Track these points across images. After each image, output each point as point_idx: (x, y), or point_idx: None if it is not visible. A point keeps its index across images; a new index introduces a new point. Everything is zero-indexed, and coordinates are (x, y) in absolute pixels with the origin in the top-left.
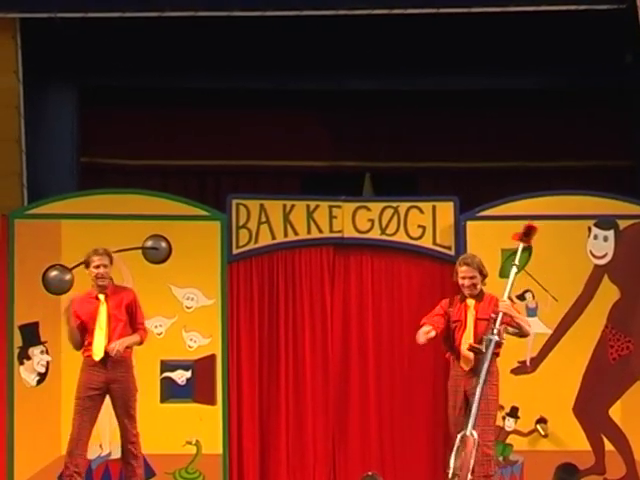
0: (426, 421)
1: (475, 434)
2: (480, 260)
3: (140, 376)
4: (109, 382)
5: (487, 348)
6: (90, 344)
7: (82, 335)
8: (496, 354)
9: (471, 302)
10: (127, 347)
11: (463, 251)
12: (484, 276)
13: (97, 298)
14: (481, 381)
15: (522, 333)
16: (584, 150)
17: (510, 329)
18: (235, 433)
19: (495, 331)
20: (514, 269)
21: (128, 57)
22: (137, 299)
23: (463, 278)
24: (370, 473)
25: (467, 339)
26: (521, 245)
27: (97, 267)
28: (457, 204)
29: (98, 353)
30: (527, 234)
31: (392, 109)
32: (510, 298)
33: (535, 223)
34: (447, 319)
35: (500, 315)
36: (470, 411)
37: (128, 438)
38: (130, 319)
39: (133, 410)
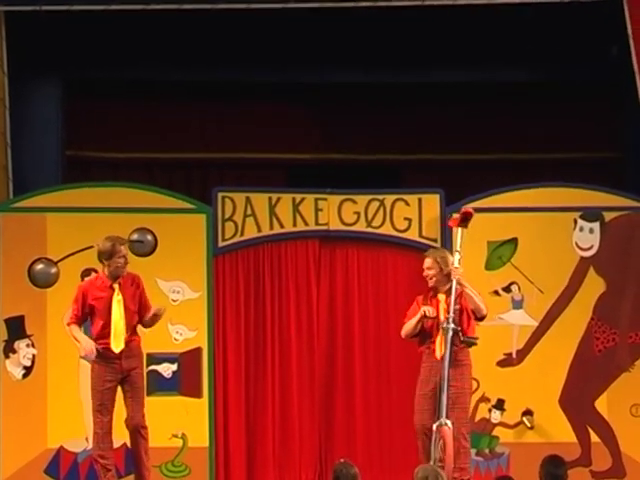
0: (412, 411)
1: (449, 424)
2: (444, 255)
3: None
4: (125, 371)
5: (445, 337)
6: (104, 336)
7: (83, 321)
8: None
9: (442, 297)
10: (138, 335)
11: (449, 243)
12: (441, 269)
13: (111, 287)
14: (445, 371)
15: (475, 308)
16: (570, 142)
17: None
18: (221, 426)
19: (452, 315)
20: (457, 255)
21: (113, 50)
22: (143, 284)
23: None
24: (342, 460)
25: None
26: (460, 230)
27: (123, 257)
28: (443, 196)
29: (119, 344)
30: (464, 220)
31: (377, 102)
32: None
33: (470, 209)
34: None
35: (454, 284)
36: (441, 401)
37: (143, 423)
38: (139, 307)
39: (144, 402)
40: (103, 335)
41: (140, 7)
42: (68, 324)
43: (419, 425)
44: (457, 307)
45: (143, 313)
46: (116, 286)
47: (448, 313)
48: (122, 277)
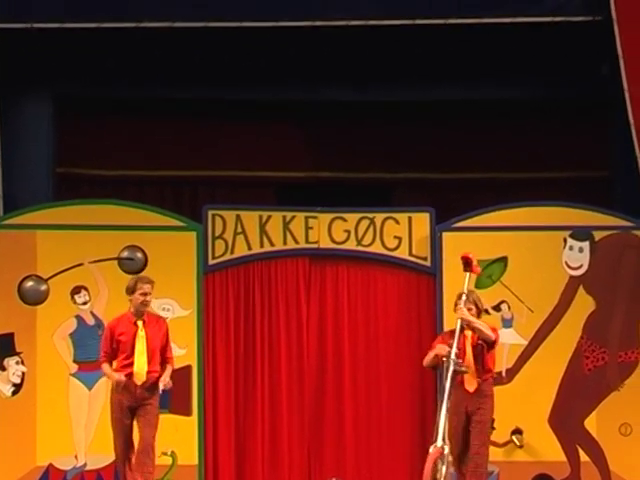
0: (402, 430)
1: (447, 448)
2: (477, 295)
3: None
4: (140, 401)
5: (447, 370)
6: (124, 366)
7: (113, 358)
8: (491, 375)
9: (469, 333)
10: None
11: (439, 262)
12: (479, 310)
13: (135, 324)
14: (445, 399)
15: (484, 338)
16: (560, 161)
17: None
18: (211, 444)
19: (455, 350)
20: (463, 297)
21: (105, 68)
22: (169, 331)
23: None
24: (333, 479)
25: (468, 366)
26: (468, 274)
27: (144, 294)
28: (433, 215)
29: (141, 377)
30: (467, 265)
31: (368, 120)
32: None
33: (467, 253)
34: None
35: (459, 323)
36: (438, 426)
37: (152, 443)
38: (160, 348)
39: (157, 427)
40: (125, 366)
41: (132, 25)
42: (100, 363)
43: (456, 454)
44: (480, 342)
45: (163, 355)
46: (140, 323)
47: (457, 349)
48: (146, 315)
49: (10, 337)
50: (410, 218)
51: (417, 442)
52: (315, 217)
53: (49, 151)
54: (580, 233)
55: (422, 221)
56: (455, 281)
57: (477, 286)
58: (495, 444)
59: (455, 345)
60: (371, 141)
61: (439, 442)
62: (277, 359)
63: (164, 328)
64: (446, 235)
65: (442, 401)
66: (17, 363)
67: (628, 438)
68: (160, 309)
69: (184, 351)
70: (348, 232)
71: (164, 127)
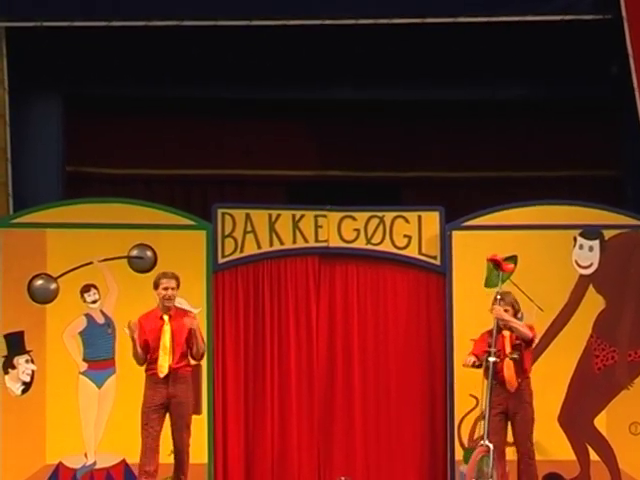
0: (411, 429)
1: (491, 445)
2: (514, 297)
3: (126, 385)
4: (170, 397)
5: (487, 369)
6: (154, 362)
7: (145, 352)
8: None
9: (507, 333)
10: (188, 364)
11: (449, 261)
12: (516, 311)
13: (161, 318)
14: (486, 402)
15: (522, 336)
16: (569, 160)
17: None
18: (220, 442)
19: (493, 350)
20: (498, 296)
21: (114, 66)
22: (199, 326)
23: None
24: (342, 478)
25: (508, 366)
26: (501, 274)
27: (165, 289)
28: (443, 214)
29: (163, 370)
30: (497, 266)
31: (378, 119)
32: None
33: (493, 255)
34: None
35: (495, 322)
36: (484, 425)
37: (182, 447)
38: (188, 344)
39: (190, 423)
40: (153, 361)
41: (141, 23)
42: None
43: (498, 444)
44: (519, 342)
45: (192, 347)
46: (166, 317)
47: (490, 347)
48: (173, 310)
49: (20, 335)
50: (420, 217)
51: (427, 441)
52: (325, 216)
53: (58, 150)
54: (590, 232)
55: (432, 220)
56: (465, 280)
57: (487, 285)
58: None
59: (493, 345)
60: (381, 140)
61: (485, 440)
62: (286, 358)
63: (191, 325)
64: (456, 234)
65: (486, 400)
66: (27, 361)
67: (638, 437)
68: None
69: None
70: (358, 231)
71: (174, 126)
